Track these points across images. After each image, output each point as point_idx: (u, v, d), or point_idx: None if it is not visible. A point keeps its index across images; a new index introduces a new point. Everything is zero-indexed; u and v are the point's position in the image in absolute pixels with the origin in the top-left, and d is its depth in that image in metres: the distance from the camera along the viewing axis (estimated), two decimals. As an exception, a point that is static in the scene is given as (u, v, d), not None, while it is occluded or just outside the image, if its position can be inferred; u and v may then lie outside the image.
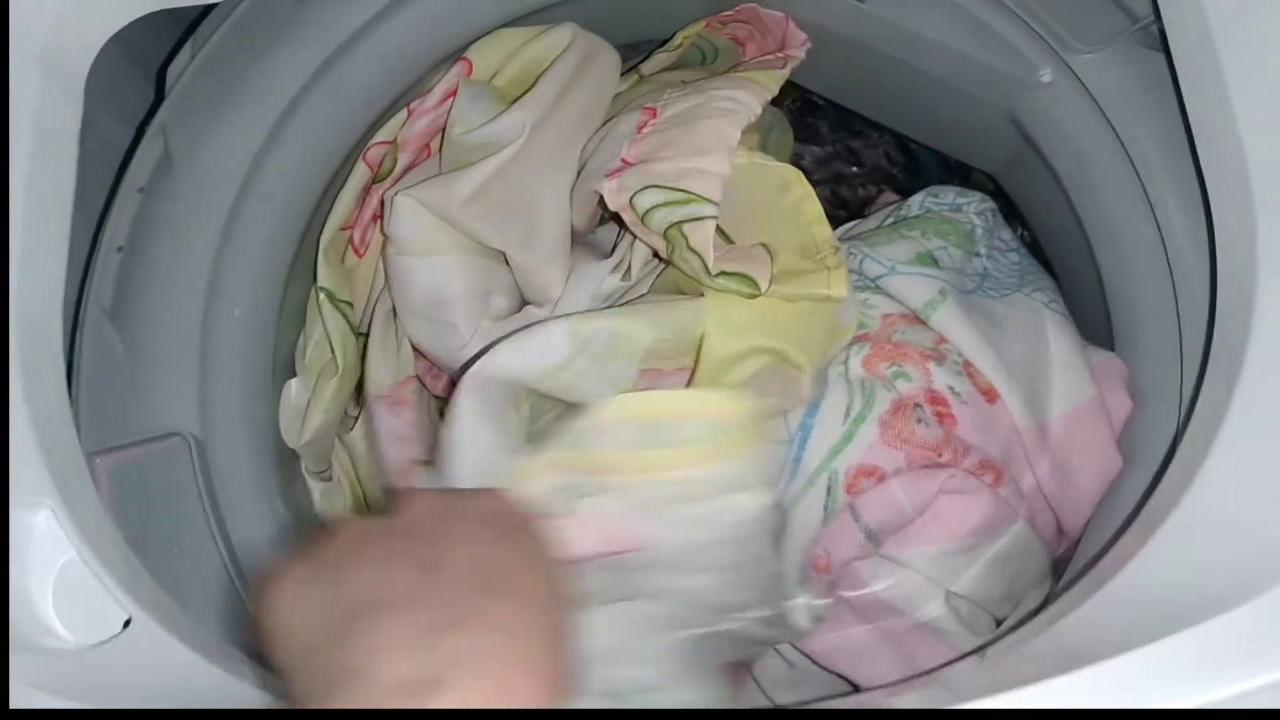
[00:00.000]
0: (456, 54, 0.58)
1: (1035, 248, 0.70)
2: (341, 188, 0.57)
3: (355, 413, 0.62)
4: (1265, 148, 0.39)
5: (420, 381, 0.61)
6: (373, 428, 0.59)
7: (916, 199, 0.63)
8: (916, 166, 0.89)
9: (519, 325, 0.54)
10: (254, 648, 0.34)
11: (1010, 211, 0.71)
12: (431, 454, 0.48)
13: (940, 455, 0.52)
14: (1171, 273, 0.52)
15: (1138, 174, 0.53)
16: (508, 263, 0.56)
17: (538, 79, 0.57)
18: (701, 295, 0.51)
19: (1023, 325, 0.56)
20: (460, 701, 0.27)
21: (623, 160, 0.54)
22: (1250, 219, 0.38)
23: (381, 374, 0.59)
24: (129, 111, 0.55)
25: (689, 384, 0.51)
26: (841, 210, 0.88)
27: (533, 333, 0.48)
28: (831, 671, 0.54)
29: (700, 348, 0.50)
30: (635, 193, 0.51)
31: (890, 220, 0.62)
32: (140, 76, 0.58)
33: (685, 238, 0.49)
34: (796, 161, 0.77)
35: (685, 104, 0.55)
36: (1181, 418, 0.48)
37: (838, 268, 0.51)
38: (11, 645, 0.35)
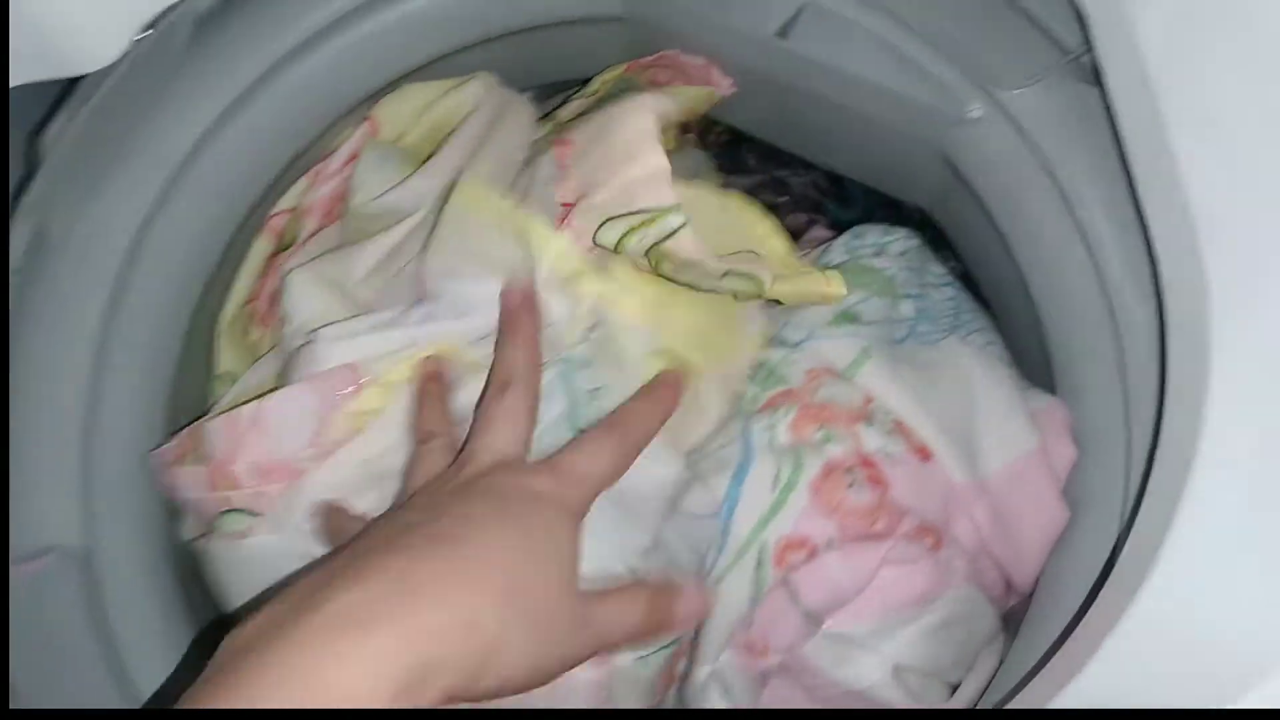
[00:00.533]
0: (363, 109, 0.55)
1: (969, 281, 0.68)
2: (241, 262, 0.53)
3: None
4: (1208, 190, 0.38)
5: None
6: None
7: (839, 243, 0.61)
8: (846, 195, 0.87)
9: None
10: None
11: (943, 244, 0.70)
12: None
13: (875, 522, 0.49)
14: (1112, 311, 0.50)
15: (1071, 210, 0.51)
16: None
17: (445, 139, 0.53)
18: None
19: (956, 375, 0.54)
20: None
21: (563, 205, 0.50)
22: (1199, 272, 0.37)
23: None
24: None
25: None
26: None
27: None
28: None
29: None
30: (595, 233, 0.48)
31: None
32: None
33: (670, 256, 0.47)
34: None
35: (594, 122, 0.52)
36: (1128, 482, 0.46)
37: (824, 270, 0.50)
38: None
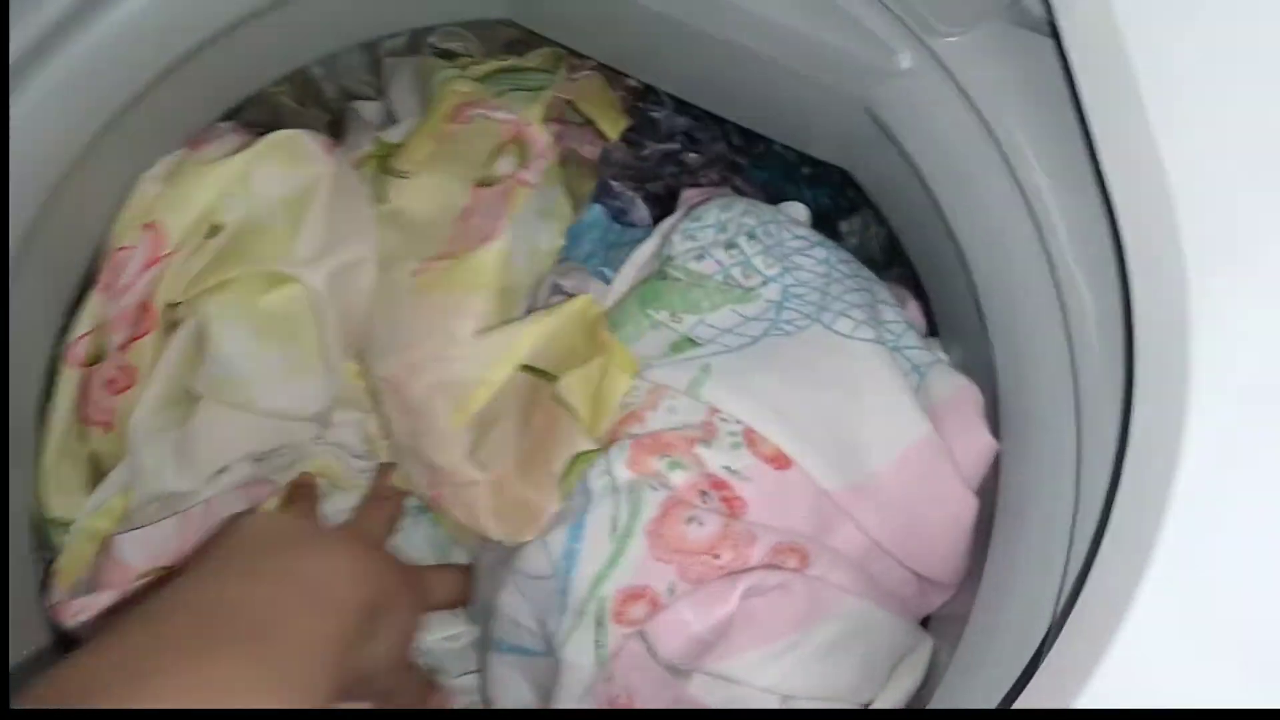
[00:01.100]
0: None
1: (894, 241, 0.63)
2: (49, 403, 0.52)
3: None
4: (1186, 159, 0.33)
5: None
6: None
7: (677, 236, 0.55)
8: (764, 152, 0.82)
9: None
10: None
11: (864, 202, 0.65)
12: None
13: (717, 556, 0.44)
14: (1055, 281, 0.45)
15: (1010, 168, 0.47)
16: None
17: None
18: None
19: (823, 368, 0.49)
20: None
21: None
22: (1176, 250, 0.32)
23: None
24: None
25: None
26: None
27: None
28: None
29: None
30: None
31: (643, 282, 0.55)
32: None
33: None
34: (639, 155, 0.70)
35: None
36: (1078, 474, 0.42)
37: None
38: None
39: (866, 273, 0.56)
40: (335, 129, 0.64)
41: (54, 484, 0.51)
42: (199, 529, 0.52)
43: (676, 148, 0.82)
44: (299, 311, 0.53)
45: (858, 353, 0.50)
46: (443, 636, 0.57)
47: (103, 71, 0.47)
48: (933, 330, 0.60)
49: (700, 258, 0.53)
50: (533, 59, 0.67)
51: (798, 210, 0.59)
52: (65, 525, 0.51)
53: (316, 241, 0.53)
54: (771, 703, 0.45)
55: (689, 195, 0.64)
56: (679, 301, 0.52)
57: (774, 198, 0.73)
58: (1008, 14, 0.44)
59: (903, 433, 0.48)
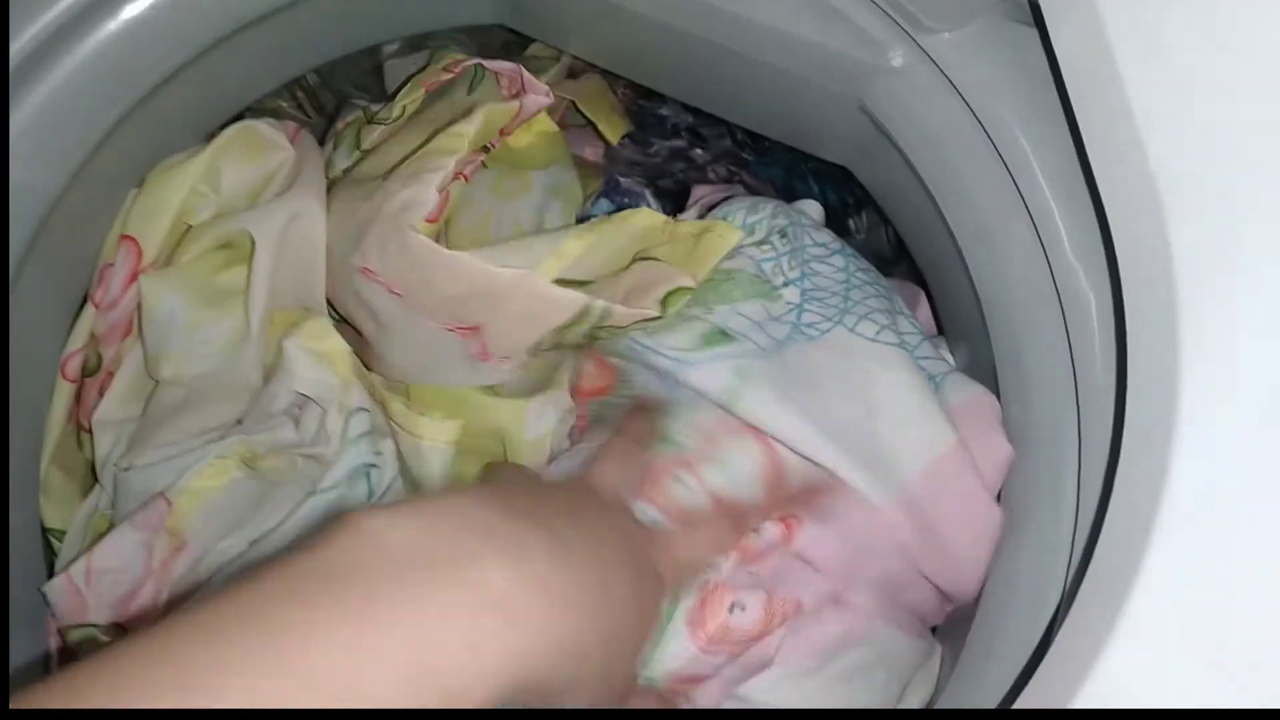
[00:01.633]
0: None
1: (900, 242, 0.63)
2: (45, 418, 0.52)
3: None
4: (1169, 145, 0.32)
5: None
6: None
7: None
8: (768, 148, 0.81)
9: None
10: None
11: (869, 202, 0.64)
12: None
13: (765, 634, 0.43)
14: (1054, 279, 0.45)
15: (1006, 166, 0.46)
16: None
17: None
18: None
19: (848, 377, 0.48)
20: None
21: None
22: (1162, 239, 0.31)
23: None
24: None
25: None
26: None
27: None
28: None
29: None
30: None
31: None
32: None
33: (612, 327, 0.48)
34: (646, 152, 0.71)
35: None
36: (1080, 478, 0.41)
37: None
38: None
39: (884, 282, 0.55)
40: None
41: (46, 494, 0.51)
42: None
43: (683, 144, 0.82)
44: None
45: (884, 358, 0.48)
46: None
47: (101, 78, 0.47)
48: (939, 329, 0.59)
49: (732, 256, 0.52)
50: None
51: (813, 209, 0.58)
52: (61, 534, 0.51)
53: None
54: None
55: (700, 192, 0.64)
56: (710, 295, 0.50)
57: (781, 192, 0.73)
58: (1000, 8, 0.43)
59: (932, 443, 0.46)
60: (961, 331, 0.56)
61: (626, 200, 0.65)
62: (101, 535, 0.49)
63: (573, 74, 0.70)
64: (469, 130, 0.52)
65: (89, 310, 0.52)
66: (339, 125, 0.61)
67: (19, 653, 0.49)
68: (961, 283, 0.51)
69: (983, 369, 0.51)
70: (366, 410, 0.50)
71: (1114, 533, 0.34)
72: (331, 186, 0.55)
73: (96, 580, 0.47)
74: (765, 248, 0.52)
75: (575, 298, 0.47)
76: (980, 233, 0.48)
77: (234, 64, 0.54)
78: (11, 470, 0.49)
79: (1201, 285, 0.32)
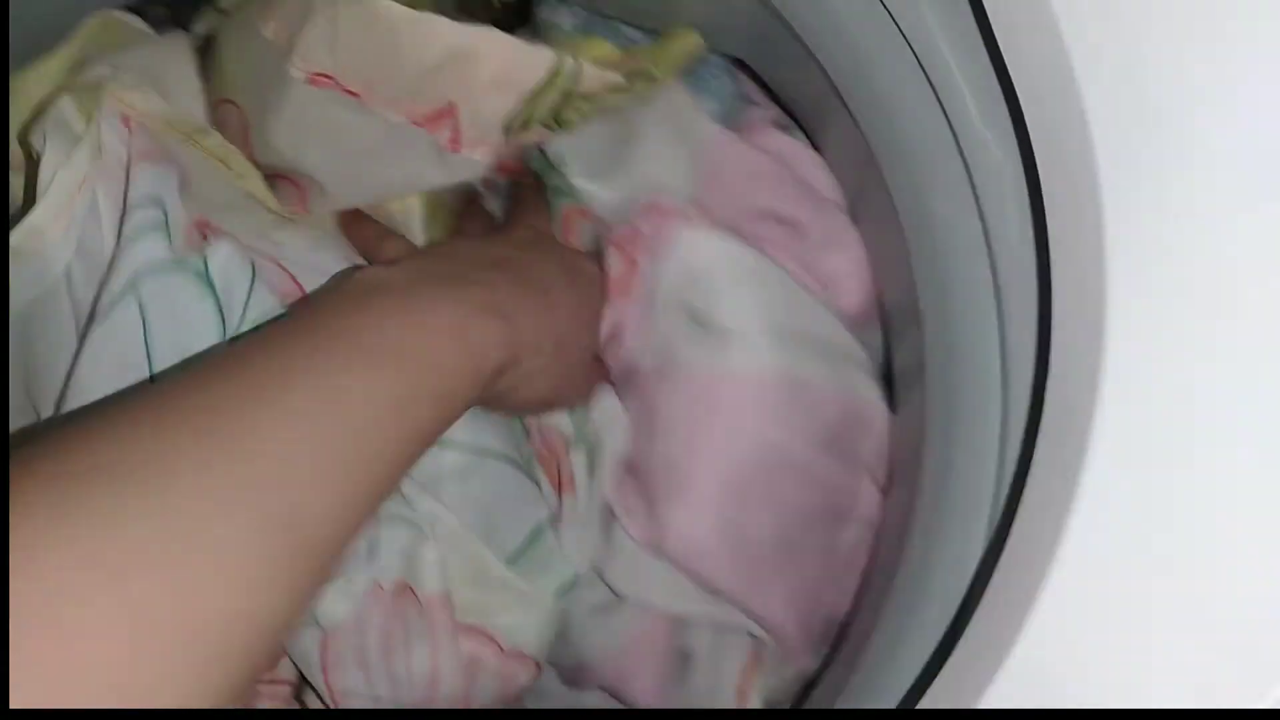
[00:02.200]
0: None
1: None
2: None
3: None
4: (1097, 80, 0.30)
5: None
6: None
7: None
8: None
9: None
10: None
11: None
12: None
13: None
14: (962, 153, 0.43)
15: (919, 60, 0.43)
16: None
17: None
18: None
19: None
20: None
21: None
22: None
23: None
24: None
25: None
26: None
27: None
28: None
29: None
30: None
31: None
32: None
33: (581, 102, 0.49)
34: None
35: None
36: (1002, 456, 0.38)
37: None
38: None
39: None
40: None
41: None
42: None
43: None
44: None
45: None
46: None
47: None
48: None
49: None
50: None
51: None
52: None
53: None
54: None
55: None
56: None
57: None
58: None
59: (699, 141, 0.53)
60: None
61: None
62: None
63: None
64: None
65: None
66: None
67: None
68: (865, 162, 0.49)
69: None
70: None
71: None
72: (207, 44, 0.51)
73: None
74: None
75: (546, 53, 0.46)
76: (889, 126, 0.46)
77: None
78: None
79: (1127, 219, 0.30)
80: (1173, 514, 0.29)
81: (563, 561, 0.51)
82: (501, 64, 0.46)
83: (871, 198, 0.50)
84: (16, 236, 0.42)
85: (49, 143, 0.42)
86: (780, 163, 0.54)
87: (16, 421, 0.44)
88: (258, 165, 0.49)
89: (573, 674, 0.55)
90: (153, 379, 0.42)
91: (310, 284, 0.47)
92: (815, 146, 0.56)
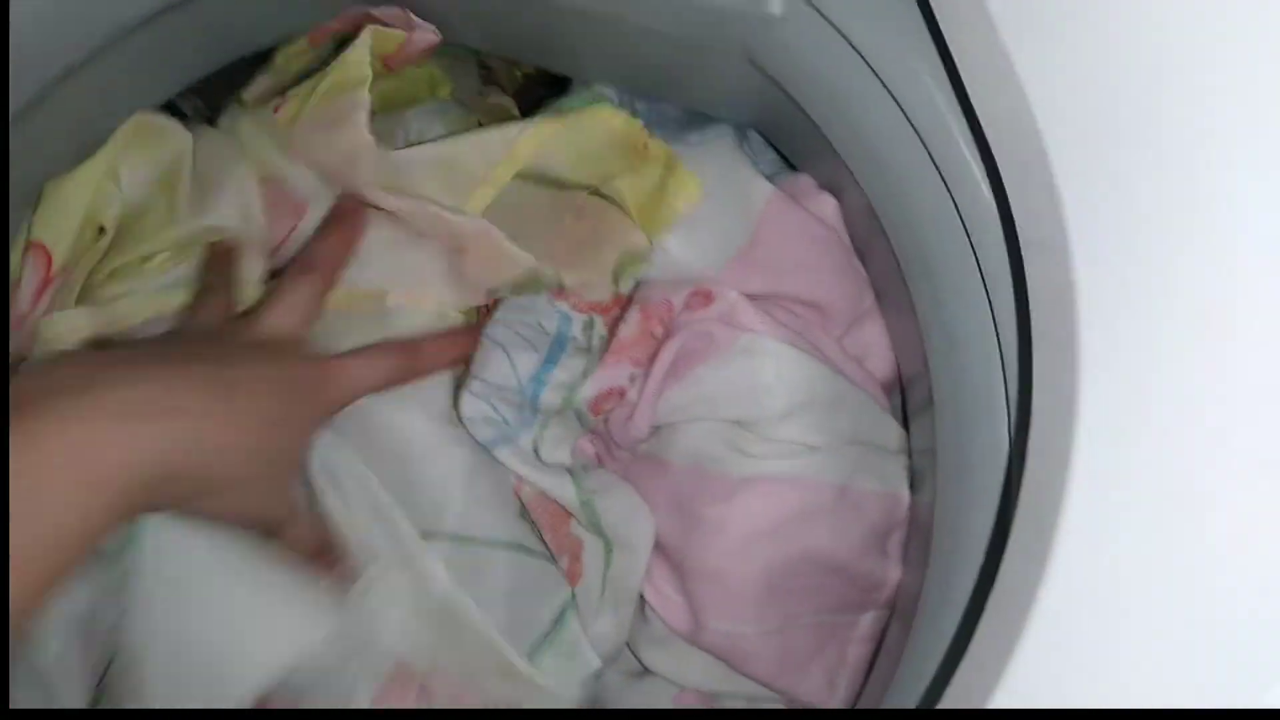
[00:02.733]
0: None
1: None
2: None
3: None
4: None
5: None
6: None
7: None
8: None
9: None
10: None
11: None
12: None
13: (654, 333, 0.52)
14: (954, 200, 0.43)
15: (904, 111, 0.44)
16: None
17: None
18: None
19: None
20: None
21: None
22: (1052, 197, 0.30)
23: None
24: None
25: None
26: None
27: None
28: None
29: None
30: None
31: None
32: None
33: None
34: None
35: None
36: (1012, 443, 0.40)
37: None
38: None
39: None
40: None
41: None
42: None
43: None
44: None
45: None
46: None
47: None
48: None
49: None
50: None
51: None
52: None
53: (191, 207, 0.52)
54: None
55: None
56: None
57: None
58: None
59: (753, 202, 0.53)
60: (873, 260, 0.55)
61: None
62: None
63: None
64: (363, 55, 0.50)
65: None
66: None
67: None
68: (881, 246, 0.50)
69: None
70: None
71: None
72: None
73: None
74: None
75: (524, 256, 0.49)
76: (883, 174, 0.47)
77: (121, 71, 0.51)
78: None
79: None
80: (1172, 514, 0.29)
81: (589, 647, 0.51)
82: (488, 253, 0.49)
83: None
84: None
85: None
86: (828, 227, 0.54)
87: None
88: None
89: None
90: None
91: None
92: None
